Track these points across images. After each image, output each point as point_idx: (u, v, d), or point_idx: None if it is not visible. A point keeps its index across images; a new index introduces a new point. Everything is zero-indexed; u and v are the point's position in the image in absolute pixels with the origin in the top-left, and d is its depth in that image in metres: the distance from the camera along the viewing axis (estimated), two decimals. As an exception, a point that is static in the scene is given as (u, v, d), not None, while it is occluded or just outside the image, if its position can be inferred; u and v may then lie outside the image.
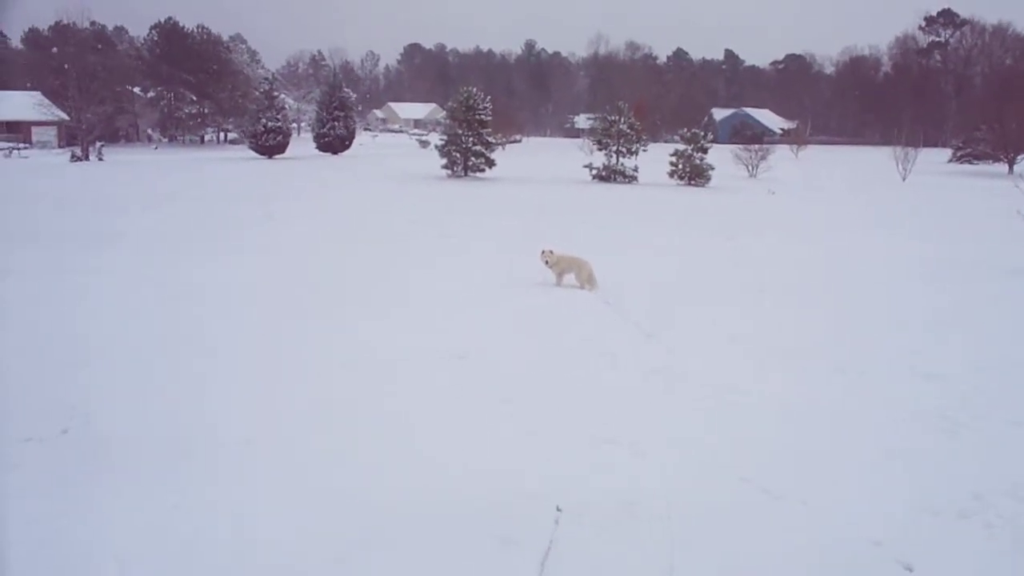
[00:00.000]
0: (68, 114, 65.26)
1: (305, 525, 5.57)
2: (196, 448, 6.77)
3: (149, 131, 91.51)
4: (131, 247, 17.49)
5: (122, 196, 29.38)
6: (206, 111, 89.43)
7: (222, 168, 46.08)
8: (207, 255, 16.59)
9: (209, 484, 6.15)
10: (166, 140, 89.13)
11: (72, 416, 7.39)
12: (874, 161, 62.82)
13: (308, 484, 6.21)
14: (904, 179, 46.85)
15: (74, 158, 56.30)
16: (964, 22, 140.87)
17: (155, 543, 5.33)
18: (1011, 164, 55.80)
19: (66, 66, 67.69)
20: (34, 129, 73.75)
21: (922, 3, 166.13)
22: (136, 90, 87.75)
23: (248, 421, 7.45)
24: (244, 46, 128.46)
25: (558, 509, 5.84)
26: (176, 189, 32.38)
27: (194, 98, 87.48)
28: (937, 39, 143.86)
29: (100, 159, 56.97)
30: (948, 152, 67.28)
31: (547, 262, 14.04)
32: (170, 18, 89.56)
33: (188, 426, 7.26)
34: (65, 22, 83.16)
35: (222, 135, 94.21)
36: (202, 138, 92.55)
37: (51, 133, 73.71)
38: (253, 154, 57.03)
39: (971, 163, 60.18)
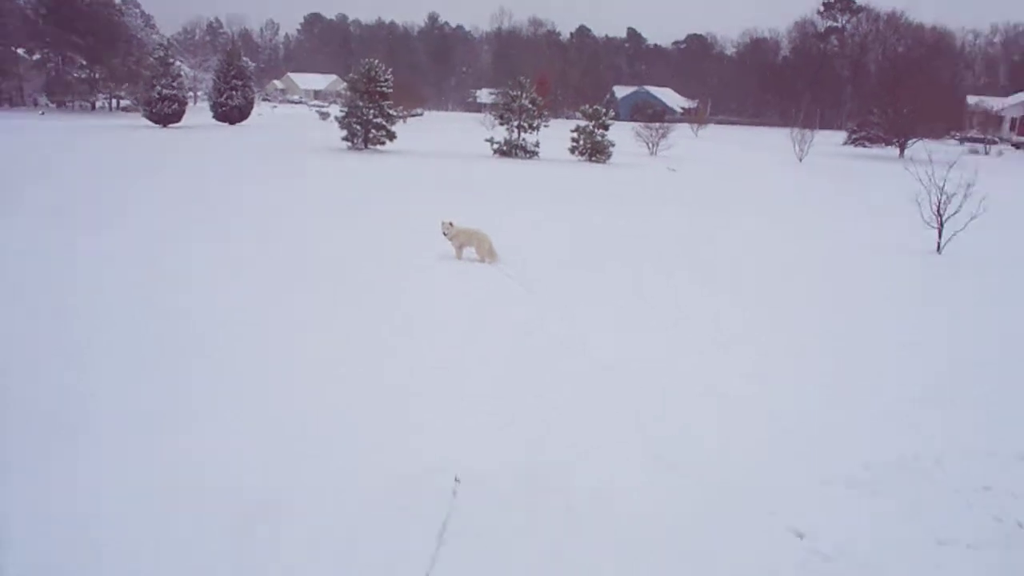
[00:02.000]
0: (-57, 75, 62.25)
1: (195, 503, 5.46)
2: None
3: (35, 96, 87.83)
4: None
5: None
6: (97, 76, 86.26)
7: (111, 137, 44.31)
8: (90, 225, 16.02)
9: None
10: (54, 106, 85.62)
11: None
12: (773, 142, 63.96)
13: (211, 457, 6.08)
14: (801, 160, 47.66)
15: (-49, 121, 53.75)
16: (860, 8, 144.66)
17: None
18: (902, 148, 57.30)
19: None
20: None
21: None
22: (20, 52, 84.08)
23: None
24: (138, 10, 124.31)
25: (456, 480, 5.83)
26: (57, 157, 30.96)
27: (84, 62, 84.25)
28: (835, 24, 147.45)
29: (-19, 123, 54.49)
30: (844, 135, 68.70)
31: (446, 233, 13.93)
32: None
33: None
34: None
35: (114, 102, 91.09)
36: (93, 104, 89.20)
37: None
38: (147, 122, 55.12)
39: (865, 146, 61.56)
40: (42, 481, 5.63)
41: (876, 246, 17.65)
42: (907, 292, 13.52)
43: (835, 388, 8.20)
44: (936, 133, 59.28)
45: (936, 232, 17.15)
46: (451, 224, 13.91)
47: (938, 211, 17.25)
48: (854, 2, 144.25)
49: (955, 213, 16.92)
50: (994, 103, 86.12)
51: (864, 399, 7.92)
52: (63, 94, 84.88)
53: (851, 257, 16.37)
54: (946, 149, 34.49)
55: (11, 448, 6.08)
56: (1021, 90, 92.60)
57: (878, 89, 70.53)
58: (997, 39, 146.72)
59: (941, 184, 17.18)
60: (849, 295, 12.95)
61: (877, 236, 19.00)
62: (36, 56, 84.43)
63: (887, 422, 7.37)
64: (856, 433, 7.09)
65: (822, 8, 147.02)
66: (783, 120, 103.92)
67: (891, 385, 8.36)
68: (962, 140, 69.87)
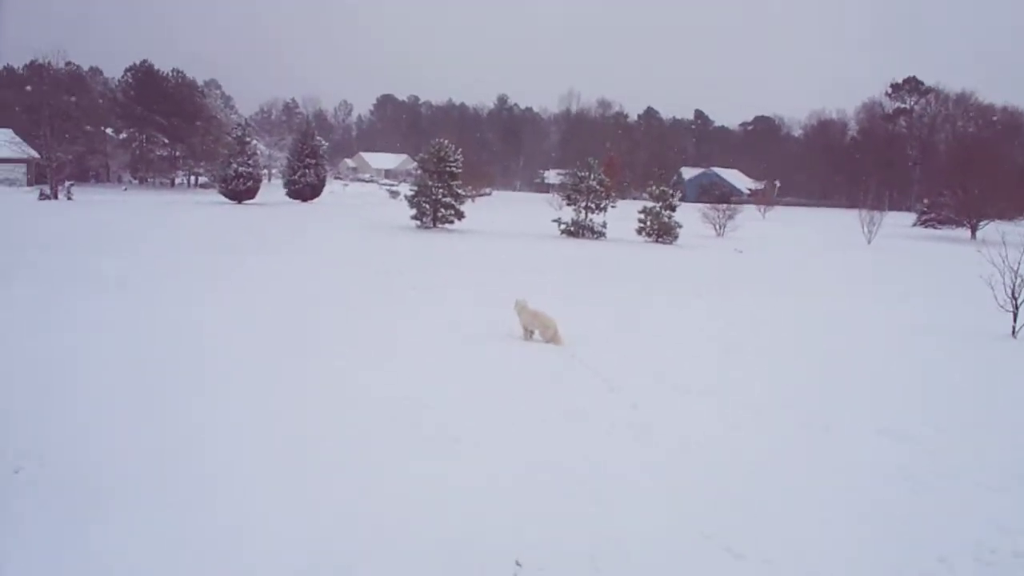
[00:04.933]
0: (39, 152, 64.72)
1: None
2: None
3: (120, 172, 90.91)
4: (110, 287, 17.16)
5: (88, 236, 28.84)
6: (177, 154, 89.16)
7: (191, 212, 45.60)
8: (178, 296, 16.41)
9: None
10: (136, 182, 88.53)
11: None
12: (841, 223, 63.45)
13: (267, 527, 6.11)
14: (870, 242, 47.28)
15: (42, 196, 55.75)
16: (928, 90, 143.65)
17: None
18: (974, 229, 56.60)
19: (40, 104, 67.20)
20: (1, 166, 72.72)
21: (888, 70, 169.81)
22: (108, 131, 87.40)
23: (219, 457, 7.31)
24: (218, 91, 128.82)
25: (518, 564, 5.76)
26: (146, 231, 31.91)
27: (166, 141, 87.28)
28: (903, 105, 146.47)
29: (69, 198, 56.46)
30: (913, 216, 68.09)
31: (520, 314, 14.01)
32: (145, 60, 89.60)
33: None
34: (40, 61, 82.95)
35: (193, 178, 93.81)
36: (172, 181, 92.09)
37: (20, 171, 72.84)
38: (222, 198, 56.67)
39: (935, 227, 60.95)
40: (74, 542, 5.73)
41: (950, 330, 17.39)
42: (985, 377, 13.30)
43: (918, 478, 8.03)
44: (1008, 214, 58.43)
45: (1011, 316, 16.92)
46: (525, 305, 14.05)
47: (1012, 294, 17.03)
48: (922, 84, 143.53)
49: (1031, 296, 16.72)
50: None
51: (945, 486, 7.78)
52: (145, 171, 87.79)
53: (926, 341, 16.14)
54: (1020, 231, 34.01)
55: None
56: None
57: (948, 170, 69.77)
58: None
59: (1015, 267, 16.98)
60: (926, 380, 12.75)
61: (951, 320, 18.75)
62: (123, 135, 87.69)
63: (965, 511, 7.20)
64: (935, 523, 6.93)
65: (890, 90, 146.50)
66: (851, 202, 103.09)
67: (970, 471, 8.19)
68: (1035, 222, 68.69)
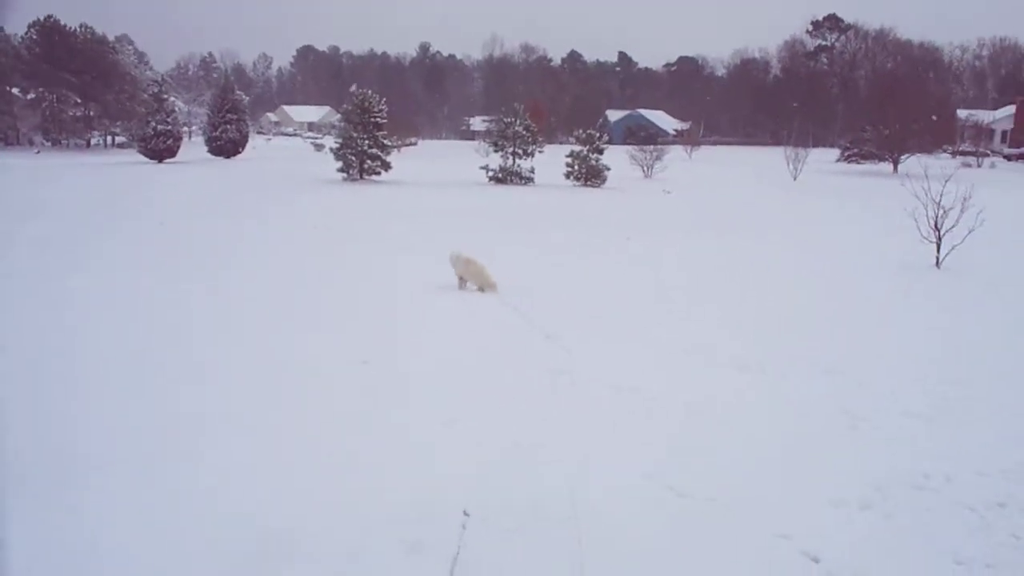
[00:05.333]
0: (-63, 116, 62.36)
1: (198, 541, 5.37)
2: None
3: (30, 135, 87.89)
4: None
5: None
6: (92, 114, 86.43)
7: (105, 173, 44.34)
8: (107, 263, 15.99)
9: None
10: (49, 144, 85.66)
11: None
12: (766, 161, 64.06)
13: (210, 495, 5.98)
14: (795, 178, 47.82)
15: (-55, 162, 53.76)
16: (849, 27, 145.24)
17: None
18: (895, 163, 57.47)
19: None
20: None
21: (809, 8, 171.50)
22: (15, 91, 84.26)
23: (132, 432, 7.15)
24: (131, 47, 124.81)
25: (465, 513, 5.74)
26: (61, 196, 30.87)
27: (78, 100, 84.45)
28: (824, 43, 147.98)
29: (-25, 164, 54.53)
30: (836, 152, 68.89)
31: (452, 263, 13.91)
32: (50, 16, 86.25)
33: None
34: (-65, 19, 79.47)
35: (109, 139, 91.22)
36: (88, 142, 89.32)
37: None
38: (142, 158, 55.21)
39: (858, 162, 61.71)
40: (48, 510, 5.55)
41: (875, 262, 17.67)
42: (908, 307, 13.48)
43: (843, 407, 8.11)
44: (928, 148, 59.45)
45: (935, 247, 17.14)
46: (459, 255, 13.87)
47: (936, 225, 17.25)
48: (842, 21, 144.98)
49: (953, 227, 16.93)
50: (984, 116, 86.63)
51: (871, 417, 7.85)
52: (58, 132, 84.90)
53: (851, 273, 16.37)
54: (940, 163, 34.59)
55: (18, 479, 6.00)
56: (1010, 103, 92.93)
57: (869, 106, 70.60)
58: (984, 53, 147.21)
59: (938, 198, 17.18)
60: (851, 311, 12.94)
61: (875, 252, 19.03)
62: (31, 95, 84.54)
63: (895, 441, 7.29)
64: (865, 453, 7.02)
65: (811, 27, 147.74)
66: (775, 139, 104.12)
67: (898, 403, 8.28)
68: (954, 154, 70.06)
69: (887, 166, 58.45)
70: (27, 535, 5.28)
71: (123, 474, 6.28)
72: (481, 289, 13.70)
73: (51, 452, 6.61)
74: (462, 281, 13.91)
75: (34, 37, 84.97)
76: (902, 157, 57.16)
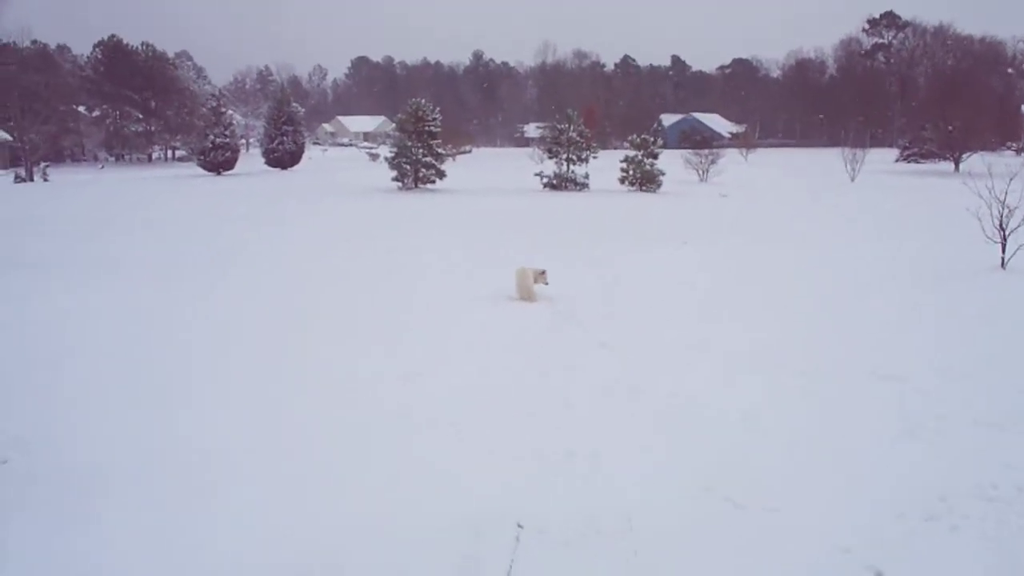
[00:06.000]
0: (11, 135, 63.84)
1: (255, 552, 5.39)
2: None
3: (95, 151, 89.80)
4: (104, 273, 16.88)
5: (72, 218, 28.36)
6: (153, 129, 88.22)
7: (170, 186, 45.11)
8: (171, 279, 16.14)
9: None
10: (112, 159, 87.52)
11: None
12: (823, 162, 63.35)
13: (267, 506, 6.01)
14: (853, 179, 47.20)
15: (18, 179, 55.02)
16: (906, 24, 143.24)
17: None
18: (957, 162, 56.47)
19: (8, 86, 66.02)
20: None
21: (865, 6, 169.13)
22: (81, 109, 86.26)
23: (203, 447, 7.21)
24: (190, 63, 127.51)
25: (519, 526, 5.67)
26: (128, 211, 31.43)
27: (140, 116, 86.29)
28: (880, 41, 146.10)
29: (45, 179, 55.76)
30: (895, 152, 67.92)
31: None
32: (113, 35, 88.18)
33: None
34: (5, 41, 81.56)
35: (170, 152, 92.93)
36: (150, 156, 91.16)
37: (-9, 155, 71.75)
38: (201, 171, 56.15)
39: (918, 162, 60.82)
40: (62, 534, 5.61)
41: (937, 264, 17.28)
42: (973, 311, 13.14)
43: (902, 414, 7.95)
44: (992, 145, 58.29)
45: (999, 247, 16.78)
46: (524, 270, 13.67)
47: (1000, 225, 16.88)
48: (899, 18, 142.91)
49: (1019, 226, 16.55)
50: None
51: (933, 425, 7.66)
52: (121, 147, 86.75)
53: (913, 277, 15.97)
54: (1004, 161, 33.90)
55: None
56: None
57: (929, 104, 69.42)
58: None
59: (1002, 196, 16.81)
60: (912, 316, 12.66)
61: (937, 254, 18.62)
62: (95, 112, 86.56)
63: (960, 451, 7.10)
64: (932, 463, 6.84)
65: (867, 25, 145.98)
66: (832, 141, 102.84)
67: (965, 410, 8.05)
68: (1019, 151, 68.56)
69: (948, 165, 57.46)
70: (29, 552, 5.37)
71: (159, 490, 6.35)
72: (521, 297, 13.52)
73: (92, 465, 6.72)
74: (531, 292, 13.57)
75: (99, 56, 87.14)
76: (964, 155, 56.10)
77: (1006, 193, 16.74)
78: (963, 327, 11.96)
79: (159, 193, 40.18)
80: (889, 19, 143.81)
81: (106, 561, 5.33)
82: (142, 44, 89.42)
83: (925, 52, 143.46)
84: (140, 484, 6.41)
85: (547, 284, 13.69)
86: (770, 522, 5.83)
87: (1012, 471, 6.60)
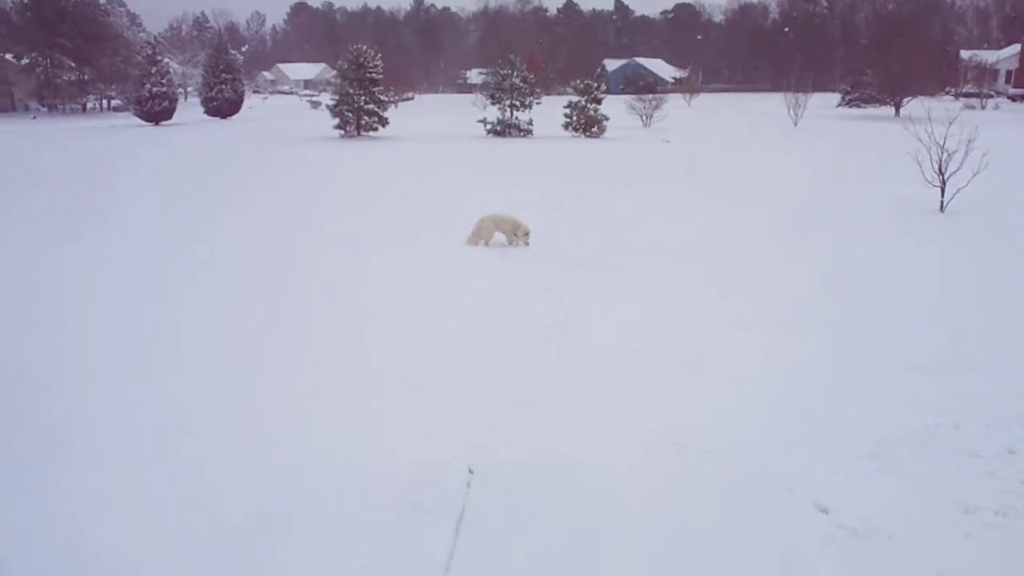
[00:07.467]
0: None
1: (195, 518, 5.31)
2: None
3: (26, 101, 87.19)
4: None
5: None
6: (86, 78, 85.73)
7: (103, 137, 44.01)
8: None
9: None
10: (45, 109, 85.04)
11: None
12: (766, 107, 63.65)
13: (201, 471, 5.94)
14: (796, 124, 47.43)
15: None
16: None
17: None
18: (897, 107, 56.93)
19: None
20: None
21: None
22: (8, 57, 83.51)
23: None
24: (123, 9, 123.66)
25: (470, 471, 5.72)
26: (65, 161, 30.60)
27: (72, 64, 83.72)
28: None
29: (-25, 131, 54.14)
30: (837, 97, 68.29)
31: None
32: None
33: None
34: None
35: (105, 102, 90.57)
36: (84, 106, 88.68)
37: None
38: (139, 121, 54.82)
39: (859, 107, 61.14)
40: (41, 491, 5.52)
41: (877, 207, 17.46)
42: (912, 253, 13.29)
43: (845, 358, 8.03)
44: (931, 90, 58.80)
45: (939, 191, 16.93)
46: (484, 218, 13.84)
47: (939, 169, 17.02)
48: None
49: (957, 170, 16.69)
50: (988, 56, 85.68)
51: (871, 373, 7.69)
52: (53, 97, 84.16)
53: (852, 220, 16.15)
54: (943, 106, 34.23)
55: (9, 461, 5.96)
56: (1015, 42, 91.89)
57: (869, 49, 69.71)
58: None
59: (941, 141, 16.92)
60: (854, 258, 12.78)
61: (878, 197, 18.80)
62: (24, 60, 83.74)
63: (900, 393, 7.16)
64: (870, 405, 6.91)
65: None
66: (775, 86, 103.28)
67: (900, 357, 8.11)
68: (957, 96, 69.40)
69: (889, 110, 57.88)
70: (12, 521, 5.26)
71: (112, 450, 6.25)
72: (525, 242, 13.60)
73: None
74: (510, 237, 13.73)
75: (24, 1, 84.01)
76: (904, 100, 56.57)
77: (945, 137, 16.84)
78: (901, 271, 12.08)
79: (101, 144, 39.12)
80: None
81: (80, 510, 5.29)
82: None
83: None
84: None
85: (527, 244, 13.66)
86: (712, 464, 5.86)
87: (948, 410, 6.70)
